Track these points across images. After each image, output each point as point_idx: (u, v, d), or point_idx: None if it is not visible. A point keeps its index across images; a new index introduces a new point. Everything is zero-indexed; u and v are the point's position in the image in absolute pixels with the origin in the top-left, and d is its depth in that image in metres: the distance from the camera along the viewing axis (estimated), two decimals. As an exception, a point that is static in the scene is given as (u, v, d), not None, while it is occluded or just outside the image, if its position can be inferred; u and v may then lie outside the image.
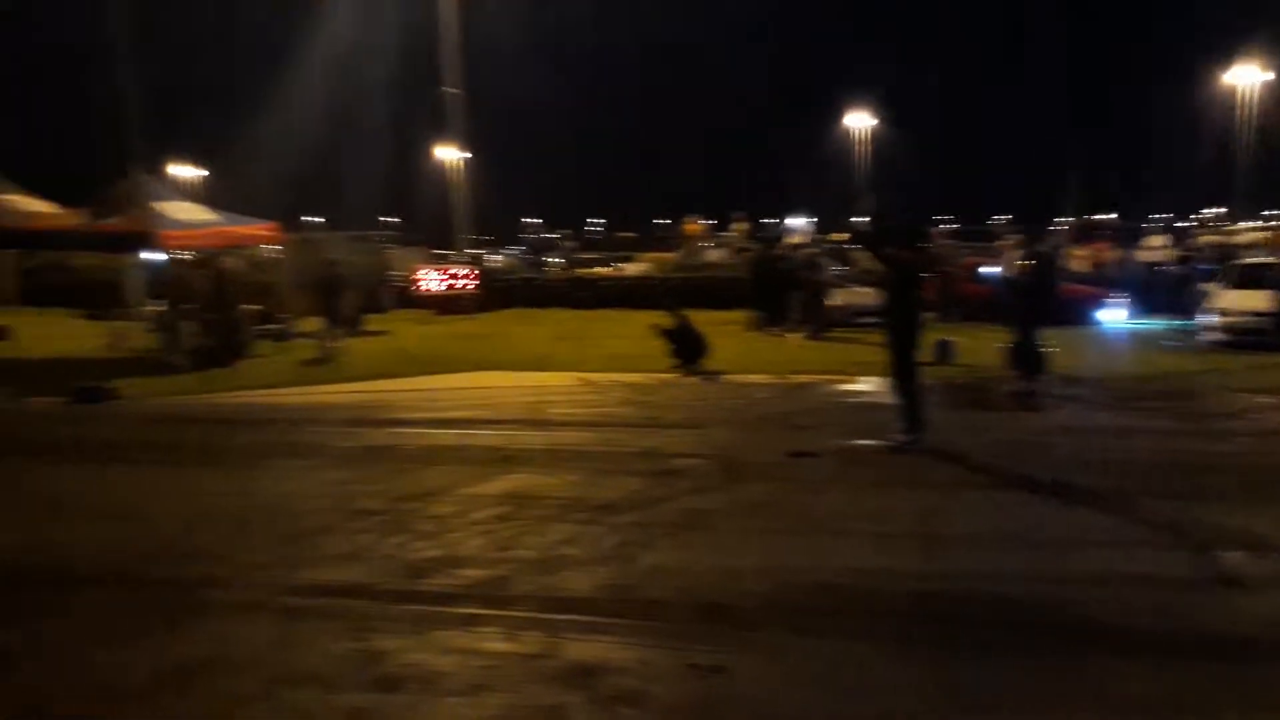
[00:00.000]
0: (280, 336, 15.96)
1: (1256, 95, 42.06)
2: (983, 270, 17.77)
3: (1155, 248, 24.95)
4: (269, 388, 12.03)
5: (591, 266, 29.18)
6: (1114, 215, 57.91)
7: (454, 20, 25.06)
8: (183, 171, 47.97)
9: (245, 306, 15.27)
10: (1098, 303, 17.50)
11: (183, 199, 17.26)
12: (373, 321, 18.17)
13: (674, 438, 8.44)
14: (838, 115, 55.11)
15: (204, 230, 14.87)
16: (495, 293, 22.29)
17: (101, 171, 15.67)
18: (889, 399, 8.15)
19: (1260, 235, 31.61)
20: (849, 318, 15.91)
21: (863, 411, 9.55)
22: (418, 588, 4.89)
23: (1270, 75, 41.77)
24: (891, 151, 54.74)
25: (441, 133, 35.14)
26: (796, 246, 19.96)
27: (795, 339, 15.37)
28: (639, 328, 13.91)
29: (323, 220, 51.33)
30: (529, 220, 73.18)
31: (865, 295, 15.31)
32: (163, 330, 14.78)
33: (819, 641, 4.17)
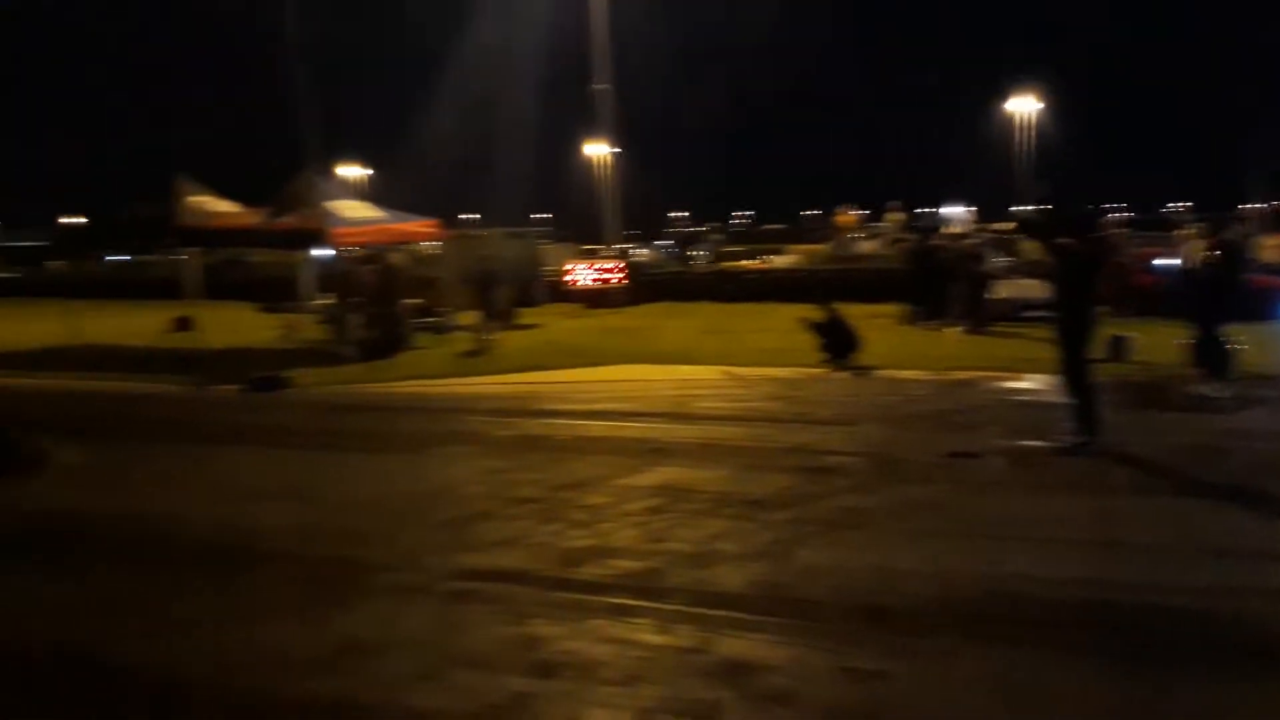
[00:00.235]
0: (439, 329, 16.59)
1: None
2: (1158, 262, 16.58)
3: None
4: (429, 378, 12.52)
5: (738, 259, 28.94)
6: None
7: (604, 18, 25.36)
8: (350, 171, 50.61)
9: (407, 300, 15.96)
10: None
11: (350, 198, 18.18)
12: (525, 315, 18.65)
13: (825, 434, 8.27)
14: (998, 99, 52.67)
15: (370, 228, 15.63)
16: (643, 287, 22.42)
17: (278, 171, 16.67)
18: (1059, 398, 7.71)
19: None
20: (1013, 311, 15.15)
21: (1029, 410, 9.06)
22: (572, 576, 4.96)
23: None
24: (1055, 136, 51.91)
25: (592, 129, 35.74)
26: (956, 236, 19.15)
27: (954, 333, 14.77)
28: (787, 321, 13.70)
29: (477, 217, 53.27)
30: (675, 214, 73.49)
31: (1031, 288, 14.53)
32: (331, 322, 15.67)
33: (988, 649, 3.98)
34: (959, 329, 14.93)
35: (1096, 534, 5.41)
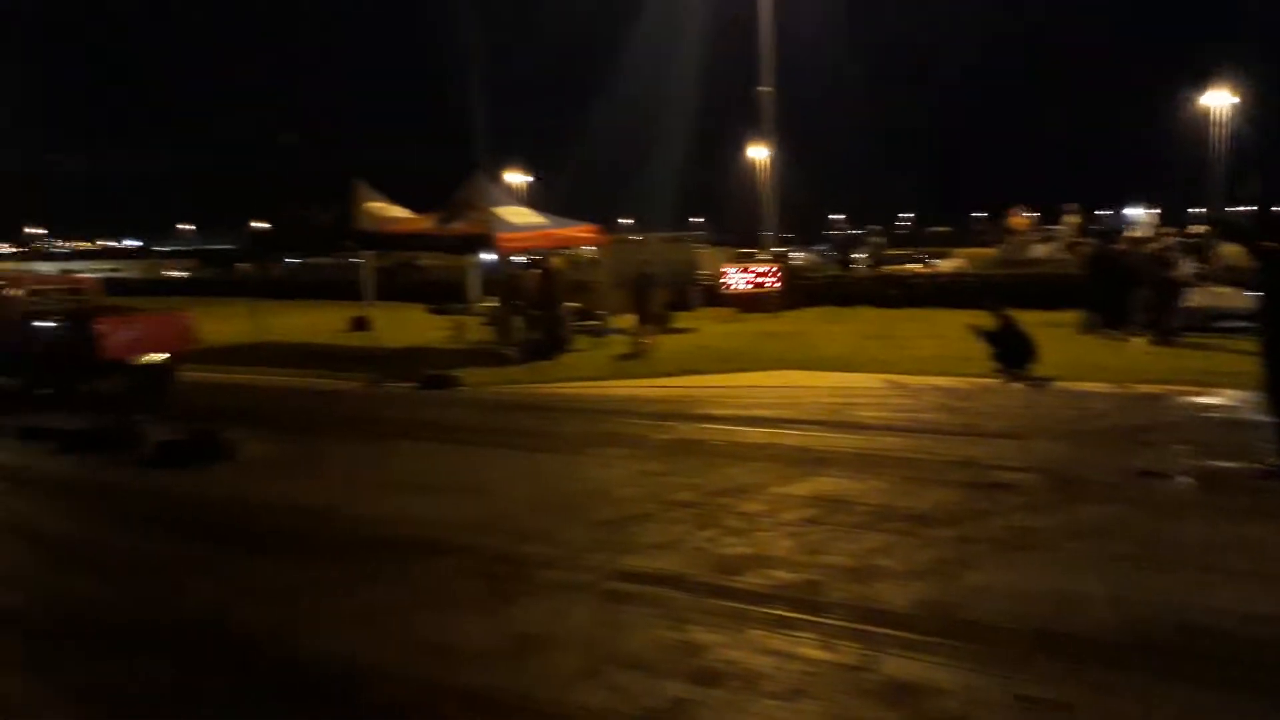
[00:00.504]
0: (597, 332, 16.90)
1: None
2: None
3: None
4: (587, 380, 12.76)
5: (901, 263, 28.09)
6: None
7: (769, 20, 25.18)
8: (514, 178, 52.33)
9: (566, 304, 16.33)
10: None
11: (515, 203, 18.77)
12: (680, 319, 18.73)
13: (996, 448, 7.88)
14: (1185, 96, 48.96)
15: (534, 233, 16.08)
16: (799, 291, 22.12)
17: (450, 177, 17.39)
18: (1259, 416, 7.07)
19: None
20: (1207, 321, 14.03)
21: (1226, 429, 8.34)
22: (730, 584, 4.92)
23: None
24: (1252, 134, 47.71)
25: (753, 131, 35.57)
26: (1140, 240, 17.92)
27: (1139, 343, 13.79)
28: (954, 328, 13.18)
29: (632, 222, 53.98)
30: (834, 216, 72.22)
31: (1228, 296, 13.45)
32: (495, 324, 16.22)
33: (1188, 689, 3.67)
34: (1144, 339, 13.95)
35: (1311, 568, 4.92)
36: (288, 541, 6.07)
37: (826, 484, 6.86)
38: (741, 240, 37.49)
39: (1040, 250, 24.14)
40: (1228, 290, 13.97)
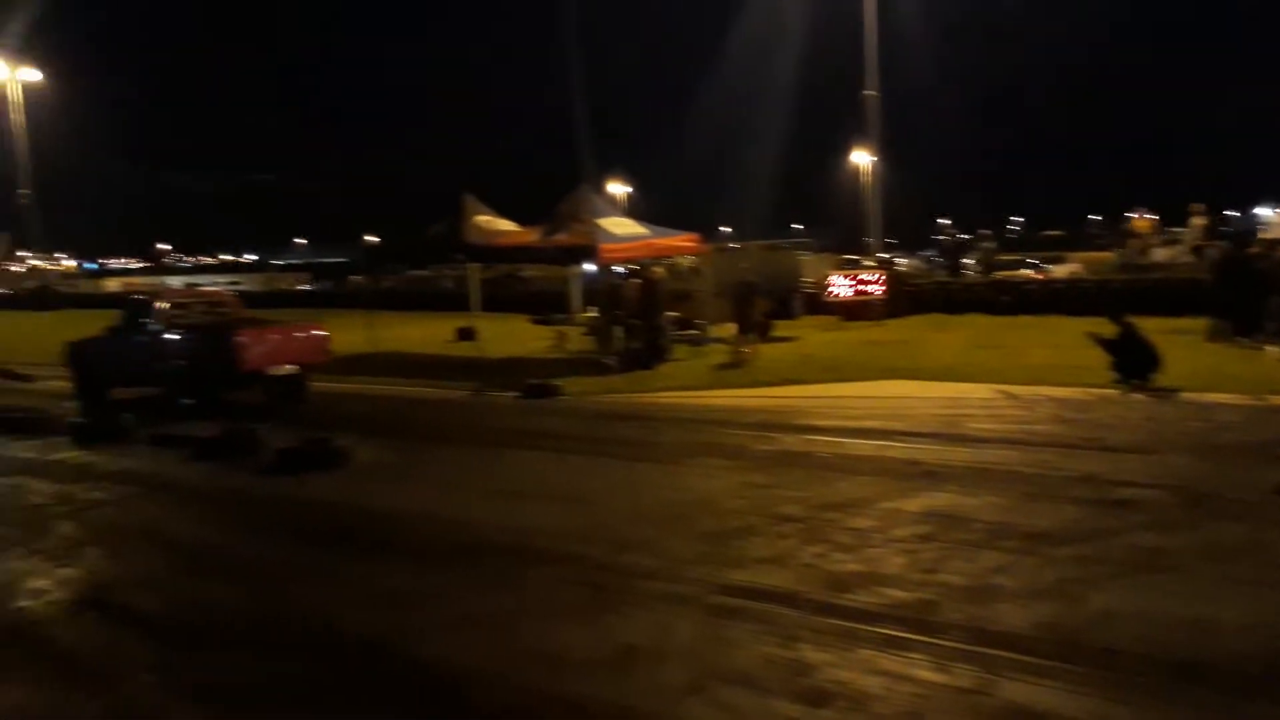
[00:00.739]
0: (697, 342, 16.86)
1: None
2: None
3: None
4: (687, 389, 12.72)
5: (1014, 268, 27.11)
6: None
7: (874, 25, 24.78)
8: (616, 189, 52.85)
9: (666, 313, 16.35)
10: None
11: (618, 214, 18.91)
12: (781, 328, 18.52)
13: (1119, 462, 7.50)
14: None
15: (635, 243, 16.16)
16: (905, 298, 21.62)
17: (555, 189, 17.66)
18: None
19: None
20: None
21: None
22: (840, 601, 4.81)
23: None
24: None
25: (857, 137, 35.01)
26: (1274, 242, 16.85)
27: (1274, 353, 12.97)
28: (1070, 336, 12.64)
29: (731, 230, 53.71)
30: (941, 221, 70.41)
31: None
32: (596, 334, 16.35)
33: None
34: (1279, 348, 13.11)
35: None
36: (398, 547, 6.21)
37: (939, 499, 6.65)
38: (843, 247, 36.87)
39: (1162, 254, 23.00)
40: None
